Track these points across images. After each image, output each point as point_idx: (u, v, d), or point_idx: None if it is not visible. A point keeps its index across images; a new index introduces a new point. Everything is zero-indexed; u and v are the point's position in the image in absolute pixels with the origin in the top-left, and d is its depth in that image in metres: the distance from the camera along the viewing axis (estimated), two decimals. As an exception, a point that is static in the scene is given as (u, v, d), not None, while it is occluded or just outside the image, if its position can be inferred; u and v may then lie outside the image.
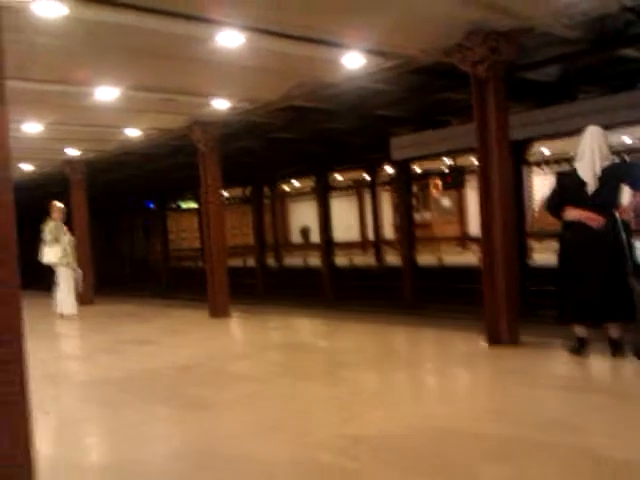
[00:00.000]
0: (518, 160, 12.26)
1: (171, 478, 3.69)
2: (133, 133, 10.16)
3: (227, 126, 9.67)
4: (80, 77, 6.82)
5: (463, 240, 21.20)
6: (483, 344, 6.32)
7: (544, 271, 11.97)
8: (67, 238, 10.77)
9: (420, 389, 5.48)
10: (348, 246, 20.37)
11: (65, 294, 10.67)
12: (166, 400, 5.27)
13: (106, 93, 7.34)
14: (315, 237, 21.13)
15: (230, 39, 5.87)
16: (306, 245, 23.74)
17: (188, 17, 5.35)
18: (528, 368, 5.53)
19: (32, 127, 8.95)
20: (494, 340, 6.31)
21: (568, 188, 5.46)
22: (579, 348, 5.51)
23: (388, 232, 21.90)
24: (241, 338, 8.93)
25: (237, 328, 9.59)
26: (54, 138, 10.01)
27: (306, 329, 8.92)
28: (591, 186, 5.29)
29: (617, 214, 5.25)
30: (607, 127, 5.86)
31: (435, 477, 3.32)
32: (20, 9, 4.67)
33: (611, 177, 5.27)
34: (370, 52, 6.76)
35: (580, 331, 5.50)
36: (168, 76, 7.05)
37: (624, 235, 5.26)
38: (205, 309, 9.97)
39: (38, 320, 10.28)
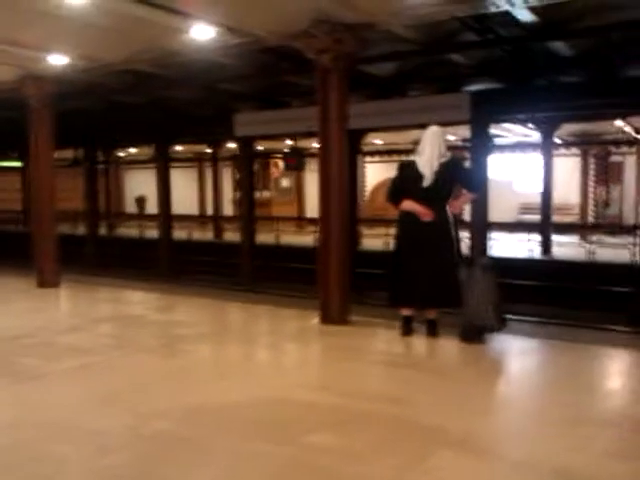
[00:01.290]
0: (353, 149, 12.92)
1: (4, 448, 3.60)
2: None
3: (63, 83, 9.15)
4: None
5: (300, 221, 21.82)
6: (316, 322, 6.64)
7: (372, 256, 12.80)
8: None
9: (256, 362, 5.66)
10: (186, 219, 20.13)
11: None
12: None
13: None
14: (152, 208, 20.66)
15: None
16: (142, 215, 23.09)
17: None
18: (355, 345, 5.90)
19: None
20: (326, 318, 6.63)
21: (407, 180, 5.84)
22: (405, 329, 5.97)
23: (228, 208, 21.97)
24: (71, 309, 8.54)
25: (67, 299, 9.14)
26: None
27: (141, 302, 8.68)
28: (427, 180, 5.70)
29: (448, 208, 5.74)
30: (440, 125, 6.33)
31: (269, 443, 3.55)
32: None
33: (446, 173, 5.71)
34: (218, 26, 6.79)
35: (407, 312, 5.96)
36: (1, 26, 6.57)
37: (453, 228, 5.78)
38: (31, 277, 9.41)
39: None
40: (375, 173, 22.26)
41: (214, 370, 5.17)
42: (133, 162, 24.67)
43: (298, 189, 23.85)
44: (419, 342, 5.93)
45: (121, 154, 23.41)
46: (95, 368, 5.13)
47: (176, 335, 6.35)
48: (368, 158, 20.43)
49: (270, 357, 5.90)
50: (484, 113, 11.05)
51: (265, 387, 4.56)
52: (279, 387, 4.56)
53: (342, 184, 6.84)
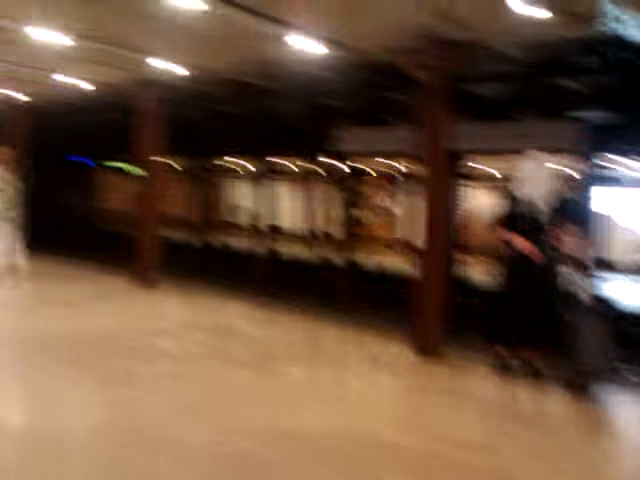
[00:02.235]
0: (454, 172, 12.57)
1: (93, 453, 3.70)
2: (71, 81, 9.79)
3: (171, 90, 9.48)
4: (21, 14, 6.53)
5: (397, 243, 21.50)
6: (409, 351, 6.43)
7: (475, 287, 12.29)
8: (8, 187, 10.00)
9: (346, 390, 5.48)
10: (283, 232, 20.31)
11: (10, 245, 10.02)
12: (88, 368, 5.28)
13: (46, 35, 7.06)
14: (251, 218, 20.94)
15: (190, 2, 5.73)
16: (240, 226, 23.53)
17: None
18: (448, 381, 5.70)
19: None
20: (420, 348, 6.43)
21: (512, 212, 5.60)
22: (501, 368, 5.67)
23: (327, 225, 21.92)
24: (167, 314, 8.65)
25: (164, 303, 9.30)
26: None
27: (235, 313, 8.78)
28: (533, 214, 5.48)
29: (556, 245, 5.43)
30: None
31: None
32: None
33: (558, 211, 5.46)
34: (322, 39, 6.79)
35: (504, 351, 5.65)
36: (116, 28, 6.87)
37: (559, 266, 5.44)
38: (133, 278, 9.74)
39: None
40: (476, 198, 21.51)
41: (304, 394, 5.11)
42: (237, 173, 25.15)
43: (393, 210, 23.48)
44: (516, 384, 5.58)
45: (227, 165, 24.00)
46: (185, 376, 5.22)
47: (268, 351, 6.36)
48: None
49: (360, 386, 5.67)
50: (595, 143, 10.43)
51: (354, 419, 4.45)
52: (368, 421, 4.44)
53: (446, 209, 6.66)
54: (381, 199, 24.07)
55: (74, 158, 20.59)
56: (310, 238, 19.90)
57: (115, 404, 4.49)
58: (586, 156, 10.78)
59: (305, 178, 21.21)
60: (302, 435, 4.02)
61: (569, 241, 5.45)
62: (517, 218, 5.56)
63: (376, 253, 17.90)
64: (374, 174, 20.57)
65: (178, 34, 6.91)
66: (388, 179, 16.39)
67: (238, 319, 8.27)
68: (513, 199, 5.73)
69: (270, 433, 3.99)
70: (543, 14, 5.42)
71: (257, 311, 8.83)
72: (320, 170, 19.59)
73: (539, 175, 5.55)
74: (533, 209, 5.51)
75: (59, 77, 9.55)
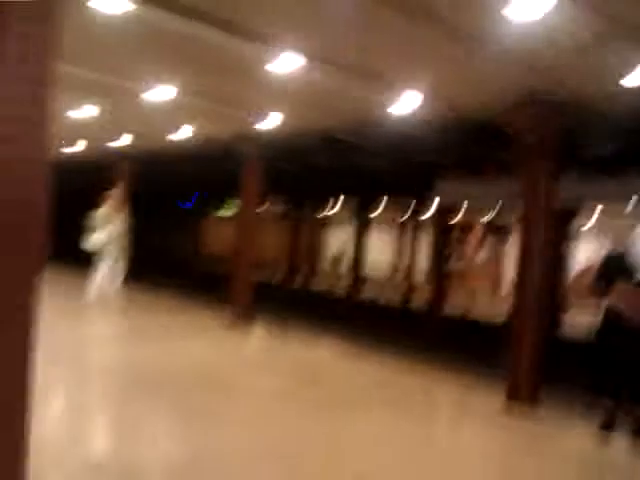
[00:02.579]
0: (562, 230, 12.08)
1: None
2: (182, 135, 10.33)
3: (273, 145, 9.76)
4: (137, 73, 6.96)
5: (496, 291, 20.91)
6: (503, 408, 6.22)
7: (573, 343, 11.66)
8: (114, 227, 10.71)
9: (430, 449, 5.11)
10: (379, 283, 20.19)
11: (108, 277, 10.69)
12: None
13: (159, 92, 7.48)
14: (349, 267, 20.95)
15: (287, 64, 5.89)
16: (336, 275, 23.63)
17: (251, 35, 5.39)
18: (544, 435, 5.42)
19: (88, 111, 9.20)
20: (515, 402, 6.24)
21: (616, 271, 5.47)
22: (606, 421, 5.45)
23: (420, 274, 21.63)
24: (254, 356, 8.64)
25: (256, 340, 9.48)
26: (106, 125, 10.25)
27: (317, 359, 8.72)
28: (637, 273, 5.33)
29: None
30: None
31: None
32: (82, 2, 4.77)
33: None
34: (424, 97, 6.74)
35: (610, 404, 5.45)
36: (222, 87, 7.17)
37: None
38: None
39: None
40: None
41: (388, 452, 4.81)
42: (331, 221, 25.31)
43: (497, 262, 22.86)
44: (620, 442, 5.26)
45: (324, 215, 24.27)
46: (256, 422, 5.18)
47: (348, 399, 6.25)
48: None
49: (448, 446, 5.26)
50: None
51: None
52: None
53: (543, 269, 6.44)
54: (481, 250, 23.49)
55: (180, 204, 21.50)
56: (409, 287, 19.72)
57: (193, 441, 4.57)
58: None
59: (405, 228, 21.22)
60: None
61: None
62: (616, 276, 5.40)
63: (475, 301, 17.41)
64: (474, 226, 20.22)
65: (278, 94, 7.11)
66: (485, 232, 15.97)
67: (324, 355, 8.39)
68: (611, 257, 5.63)
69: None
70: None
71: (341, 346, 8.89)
72: (420, 222, 19.54)
73: None
74: (634, 266, 5.36)
75: (172, 136, 10.07)
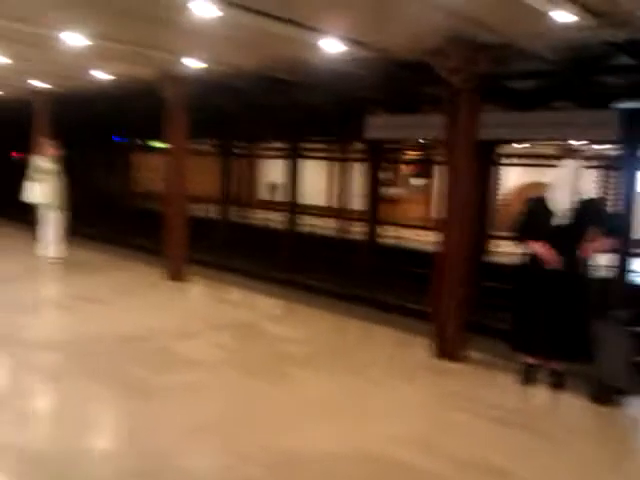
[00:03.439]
0: (485, 160, 12.38)
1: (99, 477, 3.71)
2: (103, 76, 9.92)
3: (199, 83, 9.47)
4: (50, 21, 6.58)
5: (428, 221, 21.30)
6: (427, 354, 6.31)
7: (500, 269, 12.07)
8: (54, 176, 10.30)
9: (358, 401, 5.15)
10: (313, 210, 20.28)
11: (53, 237, 10.38)
12: (104, 377, 5.27)
13: (75, 39, 7.11)
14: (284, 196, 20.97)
15: (205, 10, 5.70)
16: (272, 202, 23.64)
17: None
18: (468, 391, 5.46)
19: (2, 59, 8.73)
20: (440, 351, 6.31)
21: (535, 216, 5.43)
22: (526, 377, 5.54)
23: (359, 203, 21.83)
24: (191, 310, 8.29)
25: (189, 297, 9.19)
26: (22, 71, 9.72)
27: (258, 306, 8.64)
28: (558, 219, 5.27)
29: (580, 252, 5.23)
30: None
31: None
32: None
33: (580, 213, 5.23)
34: (349, 41, 6.69)
35: (529, 360, 5.53)
36: (140, 32, 6.87)
37: (585, 274, 5.29)
38: (162, 266, 9.69)
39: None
40: (520, 176, 20.88)
41: (313, 407, 4.95)
42: (268, 154, 25.11)
43: (429, 188, 23.25)
44: (540, 396, 5.47)
45: (257, 147, 23.97)
46: (199, 388, 5.16)
47: (284, 354, 6.26)
48: (509, 160, 19.19)
49: (374, 396, 5.31)
50: (635, 132, 10.14)
51: (364, 436, 4.36)
52: (379, 438, 4.34)
53: (466, 207, 6.51)
54: (413, 178, 23.85)
55: (115, 138, 20.76)
56: (338, 215, 19.96)
57: (131, 420, 4.56)
58: (626, 145, 10.54)
59: (339, 161, 21.28)
60: (307, 458, 4.02)
61: (593, 246, 5.26)
62: (538, 222, 5.40)
63: (406, 230, 17.72)
64: (407, 156, 20.45)
65: (201, 36, 6.86)
66: (418, 167, 16.23)
67: (260, 313, 8.16)
68: (532, 202, 5.59)
69: (275, 456, 4.01)
70: (571, 17, 5.21)
71: (280, 302, 8.80)
72: (354, 154, 19.60)
73: (569, 180, 5.35)
74: (558, 214, 5.31)
75: (94, 73, 9.62)
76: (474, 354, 6.32)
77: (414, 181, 23.44)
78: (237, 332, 7.06)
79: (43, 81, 11.26)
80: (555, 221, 5.29)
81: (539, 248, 5.29)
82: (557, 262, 5.21)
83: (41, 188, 10.27)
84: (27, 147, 12.39)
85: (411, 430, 4.60)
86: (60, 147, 10.57)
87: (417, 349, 6.53)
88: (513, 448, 4.34)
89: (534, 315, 5.39)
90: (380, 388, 5.48)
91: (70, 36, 7.01)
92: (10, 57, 8.71)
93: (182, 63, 8.31)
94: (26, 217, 11.50)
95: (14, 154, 19.49)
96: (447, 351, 6.30)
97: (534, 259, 5.39)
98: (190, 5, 5.53)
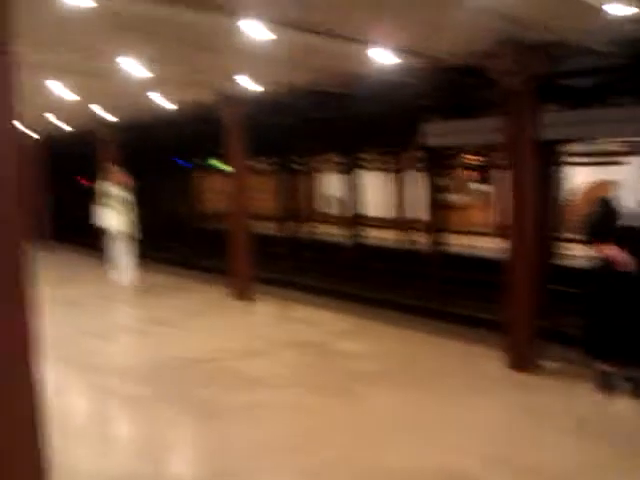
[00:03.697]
0: (550, 160, 12.05)
1: None
2: (164, 102, 10.25)
3: (256, 102, 9.67)
4: (110, 52, 6.87)
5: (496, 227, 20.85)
6: (501, 365, 6.16)
7: (573, 272, 11.62)
8: (124, 202, 10.67)
9: (431, 417, 5.05)
10: (376, 222, 20.17)
11: (124, 263, 10.75)
12: (176, 400, 5.38)
13: (135, 68, 7.39)
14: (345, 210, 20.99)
15: (257, 32, 5.83)
16: (333, 216, 23.69)
17: (217, 10, 5.32)
18: (544, 402, 5.31)
19: (67, 93, 9.16)
20: (512, 361, 6.15)
21: (606, 218, 5.23)
22: (604, 385, 5.35)
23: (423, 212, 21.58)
24: (257, 329, 8.36)
25: (255, 315, 9.23)
26: (86, 103, 10.17)
27: (325, 323, 8.49)
28: (630, 220, 5.08)
29: None
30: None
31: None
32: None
33: None
34: (400, 51, 6.70)
35: (607, 368, 5.34)
36: (196, 57, 7.07)
37: None
38: (229, 286, 9.81)
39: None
40: (586, 175, 20.16)
41: (386, 424, 4.88)
42: (327, 168, 25.22)
43: (491, 192, 22.78)
44: (620, 405, 5.21)
45: (315, 161, 24.12)
46: (268, 407, 5.18)
47: (352, 371, 6.20)
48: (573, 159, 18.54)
49: (447, 411, 5.16)
50: None
51: (442, 452, 4.26)
52: (453, 452, 4.24)
53: (532, 206, 6.37)
54: (474, 183, 23.44)
55: (175, 160, 21.33)
56: (402, 225, 19.80)
57: (202, 441, 4.64)
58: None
59: (396, 169, 21.23)
60: (380, 475, 3.97)
61: None
62: (609, 223, 5.18)
63: (471, 237, 17.34)
64: (466, 162, 20.14)
65: (254, 58, 7.00)
66: (479, 172, 15.97)
67: (326, 331, 7.99)
68: (604, 202, 5.35)
69: (348, 475, 3.97)
70: (627, 10, 5.06)
71: (347, 317, 8.69)
72: (412, 163, 19.50)
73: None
74: (629, 214, 5.09)
75: (153, 98, 9.96)
76: (547, 363, 6.14)
77: (475, 186, 23.07)
78: (304, 350, 7.04)
79: (106, 111, 11.72)
80: (626, 222, 5.09)
81: (610, 251, 5.10)
82: (630, 265, 5.02)
83: (112, 215, 10.66)
84: (95, 175, 12.90)
85: (490, 445, 4.47)
86: (128, 174, 10.94)
87: (489, 361, 6.37)
88: (595, 462, 4.16)
89: (609, 320, 5.20)
90: (453, 403, 5.33)
91: (130, 66, 7.29)
92: (75, 90, 9.11)
93: (238, 84, 8.51)
94: (97, 243, 11.92)
95: (83, 181, 20.29)
96: (520, 361, 6.14)
97: (606, 262, 5.19)
98: (243, 29, 5.70)
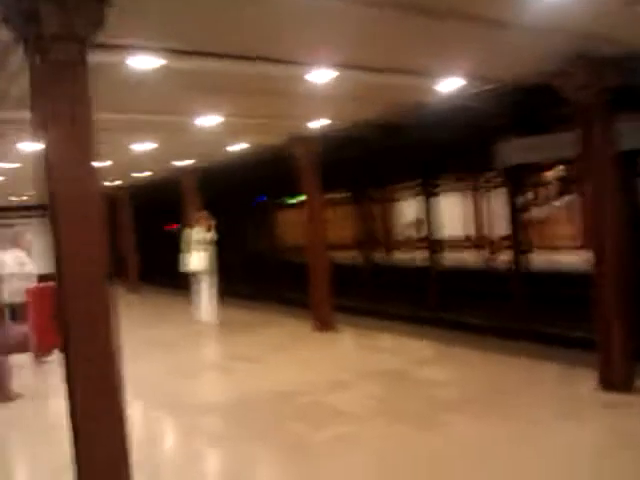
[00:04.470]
0: (633, 170, 11.55)
1: None
2: (239, 147, 10.63)
3: (326, 139, 9.85)
4: (183, 110, 7.22)
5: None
6: (594, 387, 5.96)
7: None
8: (209, 246, 11.15)
9: (517, 447, 4.87)
10: (457, 244, 19.83)
11: (208, 301, 11.17)
12: (263, 437, 5.45)
13: (208, 121, 7.73)
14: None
15: (320, 76, 6.01)
16: (413, 240, 23.48)
17: (283, 61, 5.53)
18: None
19: (149, 146, 9.66)
20: (606, 382, 5.93)
21: None
22: None
23: (498, 231, 21.20)
24: (341, 360, 8.36)
25: (338, 346, 9.28)
26: (167, 153, 10.67)
27: (407, 351, 8.51)
28: None
29: None
30: None
31: None
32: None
33: None
34: (465, 77, 6.69)
35: None
36: (264, 106, 7.32)
37: None
38: (308, 317, 9.92)
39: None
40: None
41: (471, 454, 4.75)
42: (399, 196, 25.03)
43: (576, 206, 22.03)
44: None
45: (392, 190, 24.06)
46: (354, 440, 5.17)
47: (437, 399, 6.13)
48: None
49: (536, 439, 4.94)
50: None
51: None
52: None
53: (617, 217, 6.25)
54: (554, 198, 22.74)
55: (256, 200, 21.85)
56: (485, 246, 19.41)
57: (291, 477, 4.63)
58: None
59: (476, 192, 20.93)
60: None
61: None
62: None
63: (555, 252, 16.78)
64: (544, 177, 19.65)
65: (323, 98, 7.17)
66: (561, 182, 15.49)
67: (409, 358, 7.97)
68: None
69: None
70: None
71: (429, 344, 8.68)
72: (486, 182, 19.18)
73: None
74: None
75: (230, 147, 10.36)
76: None
77: (556, 201, 22.36)
78: (388, 380, 7.03)
79: (187, 159, 12.24)
80: None
81: None
82: None
83: (196, 257, 11.06)
84: (179, 220, 13.41)
85: (584, 476, 4.29)
86: (211, 216, 11.37)
87: (582, 383, 6.14)
88: None
89: None
90: (543, 430, 5.12)
91: (206, 119, 7.63)
92: (156, 143, 9.60)
93: (308, 125, 8.72)
94: (182, 285, 12.34)
95: (168, 227, 21.12)
96: (615, 382, 5.89)
97: None
98: (310, 75, 5.87)
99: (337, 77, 6.06)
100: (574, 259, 14.85)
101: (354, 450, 5.00)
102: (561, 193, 20.08)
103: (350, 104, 7.54)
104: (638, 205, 12.98)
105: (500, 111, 9.35)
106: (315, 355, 8.53)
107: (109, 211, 17.28)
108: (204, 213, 11.58)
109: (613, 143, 6.34)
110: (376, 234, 22.48)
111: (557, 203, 22.37)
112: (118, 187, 16.55)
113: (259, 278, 20.10)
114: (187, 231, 11.50)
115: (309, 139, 9.64)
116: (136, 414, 5.75)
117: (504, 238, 16.89)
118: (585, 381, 6.08)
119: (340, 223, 20.80)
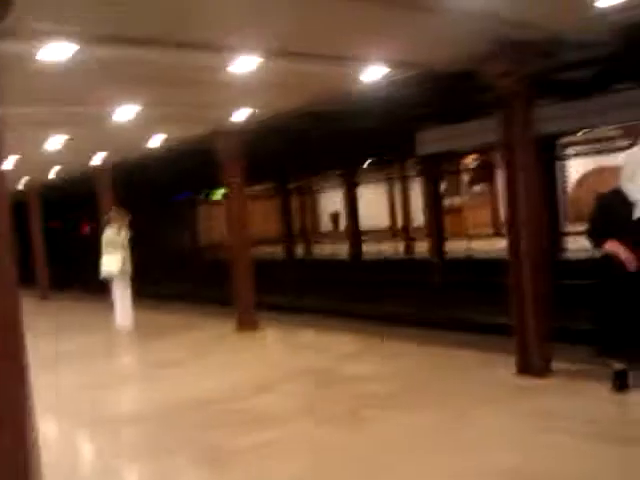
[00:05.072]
0: (550, 155, 12.00)
1: None
2: (158, 141, 10.21)
3: (249, 131, 9.62)
4: (98, 100, 6.83)
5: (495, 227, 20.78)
6: (511, 373, 6.00)
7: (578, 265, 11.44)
8: (123, 247, 10.42)
9: (443, 437, 4.80)
10: (376, 234, 20.08)
11: (126, 306, 10.52)
12: (183, 448, 5.10)
13: (125, 111, 7.35)
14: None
15: (244, 65, 5.80)
16: (336, 233, 23.64)
17: (203, 48, 5.29)
18: (557, 408, 5.10)
19: (60, 139, 9.11)
20: (523, 367, 5.98)
21: (610, 212, 5.01)
22: (619, 383, 5.16)
23: (420, 219, 21.60)
24: (263, 362, 8.03)
25: (261, 347, 9.01)
26: (81, 148, 10.14)
27: (332, 347, 8.25)
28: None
29: None
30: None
31: None
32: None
33: None
34: (390, 64, 6.64)
35: (620, 366, 5.16)
36: (185, 96, 7.02)
37: None
38: (230, 317, 9.60)
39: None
40: (584, 164, 20.04)
41: (399, 449, 4.64)
42: (325, 185, 25.19)
43: (492, 192, 22.78)
44: (636, 403, 5.05)
45: (313, 180, 24.12)
46: (279, 446, 4.90)
47: (363, 395, 5.95)
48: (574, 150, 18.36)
49: (461, 428, 4.93)
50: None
51: (458, 473, 4.07)
52: (475, 472, 4.04)
53: (535, 203, 6.24)
54: (473, 185, 23.39)
55: (178, 195, 21.28)
56: (402, 235, 19.66)
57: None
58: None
59: (395, 181, 21.20)
60: None
61: None
62: (614, 217, 4.98)
63: (474, 240, 17.10)
64: (464, 164, 20.14)
65: (244, 88, 6.96)
66: (477, 174, 15.96)
67: (334, 355, 7.74)
68: (606, 197, 5.17)
69: None
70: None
71: (354, 339, 8.50)
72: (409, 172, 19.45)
73: None
74: (635, 203, 4.87)
75: (148, 140, 9.92)
76: (558, 364, 5.94)
77: (475, 188, 23.03)
78: (313, 379, 6.78)
79: (103, 153, 11.68)
80: (637, 214, 4.87)
81: (617, 250, 4.87)
82: (637, 266, 4.80)
83: (108, 259, 10.45)
84: (95, 219, 12.80)
85: (506, 459, 4.25)
86: (124, 214, 10.79)
87: (500, 368, 6.19)
88: (614, 466, 3.99)
89: (620, 316, 5.01)
90: (467, 418, 5.12)
91: (124, 109, 7.25)
92: (70, 136, 9.05)
93: (230, 115, 8.46)
94: (103, 290, 11.72)
95: (84, 227, 20.23)
96: (531, 366, 5.94)
97: (612, 261, 4.95)
98: (231, 62, 5.66)
99: (261, 64, 5.86)
100: (491, 246, 15.29)
101: (278, 456, 4.74)
102: (478, 180, 20.74)
103: (274, 93, 7.34)
104: (556, 188, 13.57)
105: (423, 100, 9.42)
106: (238, 357, 8.22)
107: (16, 213, 16.36)
108: (117, 210, 10.90)
109: (533, 128, 6.41)
110: (299, 227, 22.45)
111: (475, 190, 23.06)
112: (27, 186, 15.63)
113: (181, 278, 19.61)
114: (103, 232, 10.87)
115: (232, 130, 9.37)
116: (46, 429, 5.38)
117: (422, 227, 17.22)
118: (504, 367, 6.12)
119: (264, 217, 20.62)
